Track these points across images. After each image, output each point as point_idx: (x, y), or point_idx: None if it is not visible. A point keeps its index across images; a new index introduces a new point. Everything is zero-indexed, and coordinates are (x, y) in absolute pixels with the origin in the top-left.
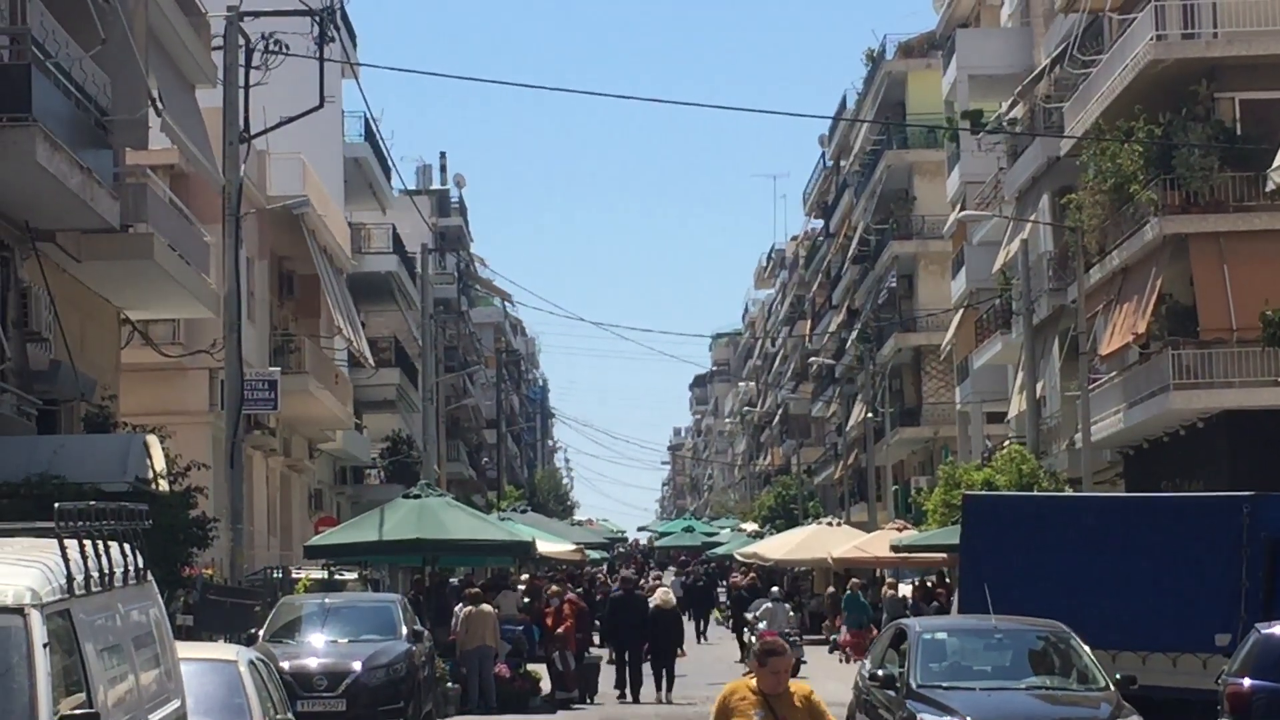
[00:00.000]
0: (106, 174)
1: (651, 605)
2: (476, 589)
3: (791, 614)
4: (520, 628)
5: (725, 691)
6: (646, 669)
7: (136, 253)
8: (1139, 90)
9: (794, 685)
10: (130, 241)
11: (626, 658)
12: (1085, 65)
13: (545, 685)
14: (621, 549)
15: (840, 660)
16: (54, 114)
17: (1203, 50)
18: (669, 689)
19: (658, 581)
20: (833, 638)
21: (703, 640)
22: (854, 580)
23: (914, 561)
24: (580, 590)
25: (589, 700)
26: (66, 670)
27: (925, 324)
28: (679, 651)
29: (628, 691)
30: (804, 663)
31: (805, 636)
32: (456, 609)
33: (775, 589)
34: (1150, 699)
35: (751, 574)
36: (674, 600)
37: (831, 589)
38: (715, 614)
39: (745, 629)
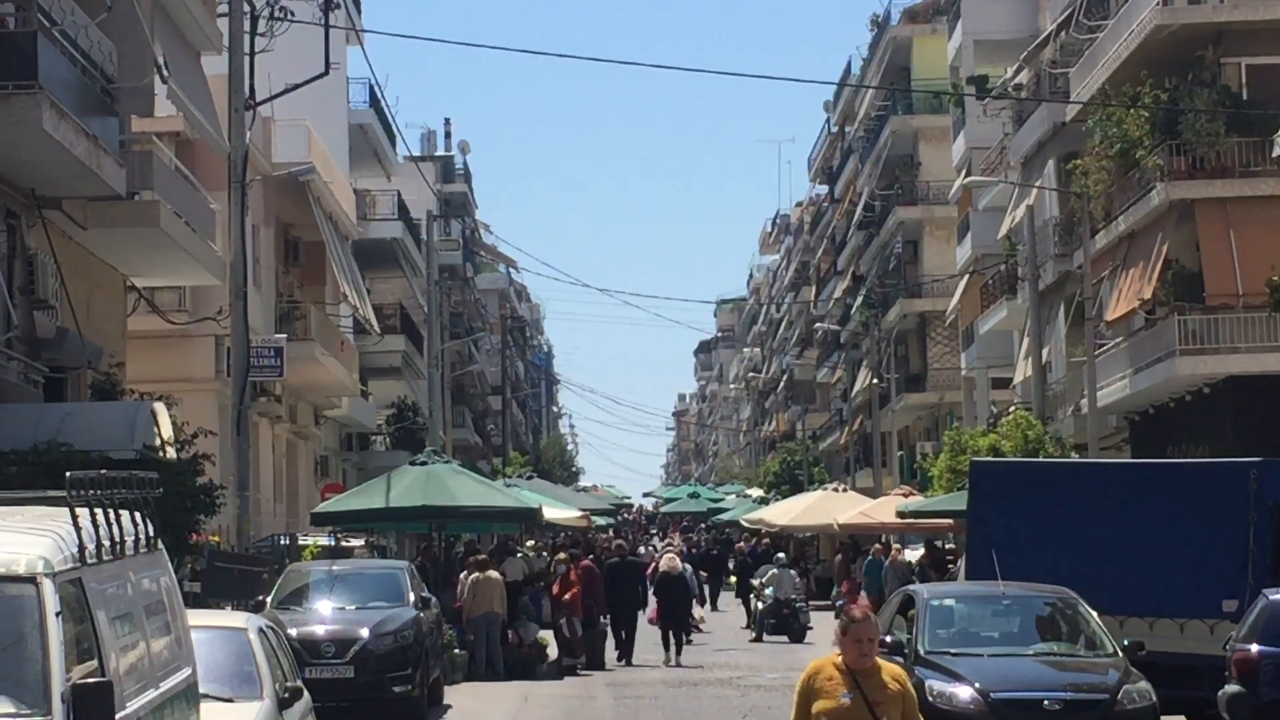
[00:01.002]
0: (112, 141)
1: (661, 571)
2: (483, 556)
3: (798, 580)
4: (525, 597)
5: (809, 671)
6: (652, 633)
7: (143, 220)
8: (1145, 55)
9: (885, 664)
10: (136, 209)
11: (622, 624)
12: (1091, 30)
13: (552, 651)
14: (627, 515)
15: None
16: (60, 81)
17: (1209, 15)
18: (678, 652)
19: (668, 546)
20: (839, 603)
21: (716, 609)
22: (876, 546)
23: (919, 527)
24: (591, 556)
25: (598, 666)
26: (79, 638)
27: (930, 290)
28: (695, 623)
29: (628, 658)
30: (810, 628)
31: (811, 602)
32: (461, 576)
33: (780, 554)
34: (1157, 664)
35: (765, 539)
36: (680, 565)
37: (840, 555)
38: (731, 581)
39: (752, 595)
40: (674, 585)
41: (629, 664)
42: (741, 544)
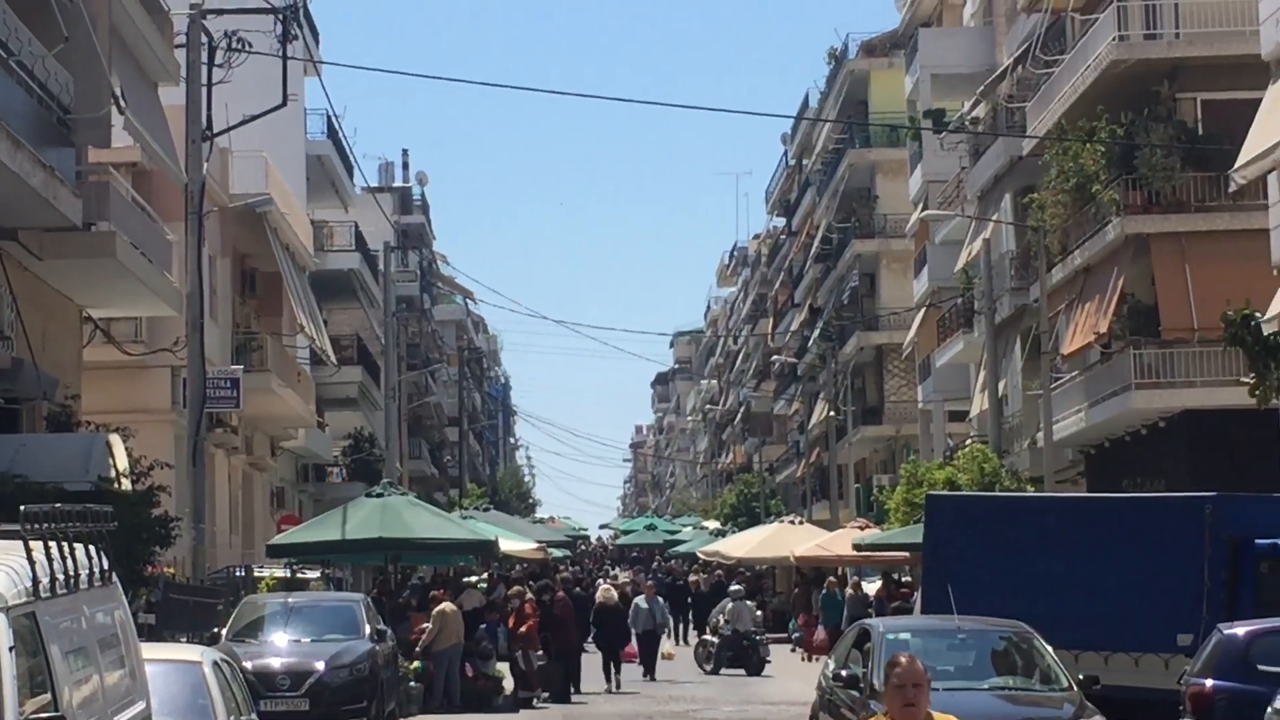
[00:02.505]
0: (69, 172)
1: (599, 602)
2: (439, 590)
3: (758, 613)
4: (484, 625)
5: None
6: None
7: (99, 251)
8: (1101, 90)
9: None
10: (93, 240)
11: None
12: (1047, 65)
13: (509, 684)
14: (585, 546)
15: (803, 659)
16: (16, 112)
17: (1165, 51)
18: (616, 671)
19: (612, 580)
20: (795, 635)
21: (683, 642)
22: (830, 579)
23: (876, 560)
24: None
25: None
26: (32, 672)
27: (887, 323)
28: (664, 654)
29: (577, 686)
30: (768, 661)
31: (768, 635)
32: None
33: (736, 587)
34: (1113, 699)
35: (718, 572)
36: (616, 596)
37: (798, 588)
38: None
39: (707, 629)
40: (611, 616)
41: (568, 698)
42: (696, 578)
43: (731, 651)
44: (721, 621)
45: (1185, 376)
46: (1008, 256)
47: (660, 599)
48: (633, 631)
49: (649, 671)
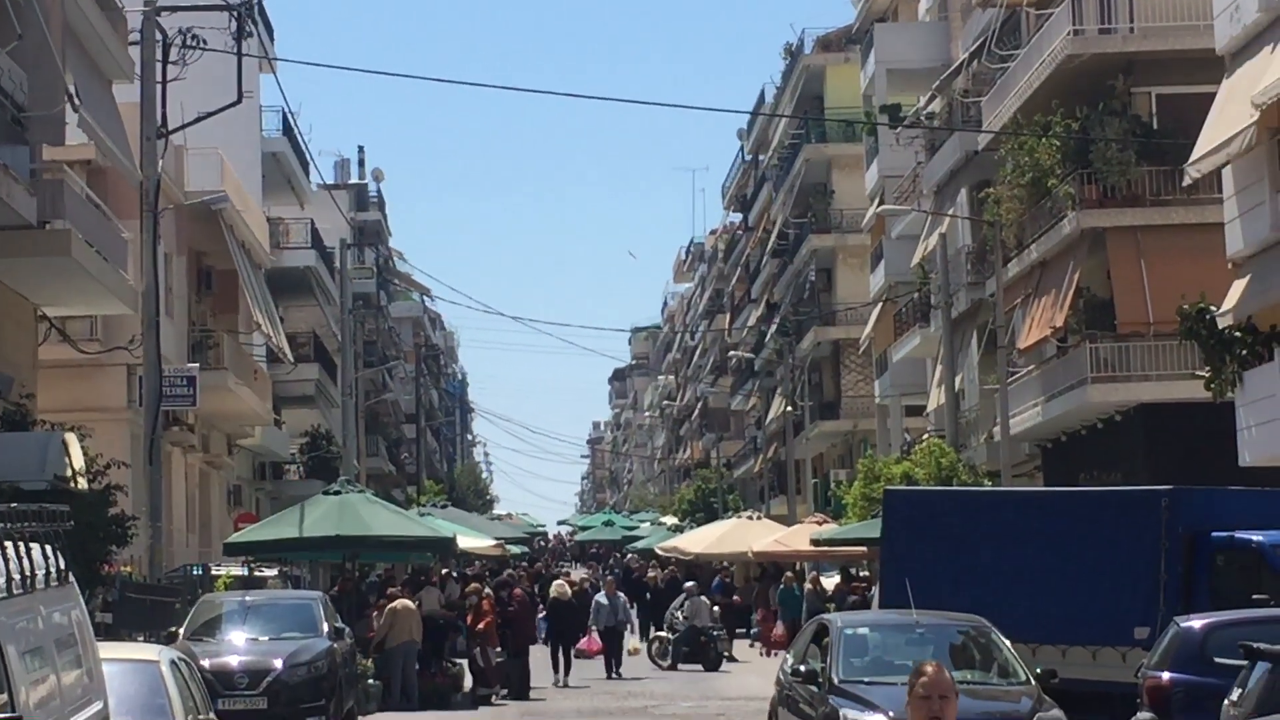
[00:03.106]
0: (23, 170)
1: (552, 597)
2: (395, 588)
3: (716, 609)
4: (441, 622)
5: None
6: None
7: (53, 249)
8: (1056, 85)
9: None
10: (47, 238)
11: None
12: (1003, 60)
13: (468, 682)
14: (543, 543)
15: (761, 654)
16: None
17: (1119, 45)
18: (566, 672)
19: (566, 577)
20: (754, 631)
21: (643, 638)
22: (787, 574)
23: (834, 555)
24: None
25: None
26: None
27: (844, 318)
28: (631, 650)
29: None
30: (725, 655)
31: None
32: (379, 604)
33: (691, 583)
34: (1070, 692)
35: (670, 568)
36: (569, 592)
37: (756, 583)
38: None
39: (665, 626)
40: (563, 610)
41: (523, 694)
42: (654, 574)
43: (689, 647)
44: (680, 618)
45: (1141, 370)
46: (964, 251)
47: (620, 595)
48: (594, 629)
49: (615, 669)
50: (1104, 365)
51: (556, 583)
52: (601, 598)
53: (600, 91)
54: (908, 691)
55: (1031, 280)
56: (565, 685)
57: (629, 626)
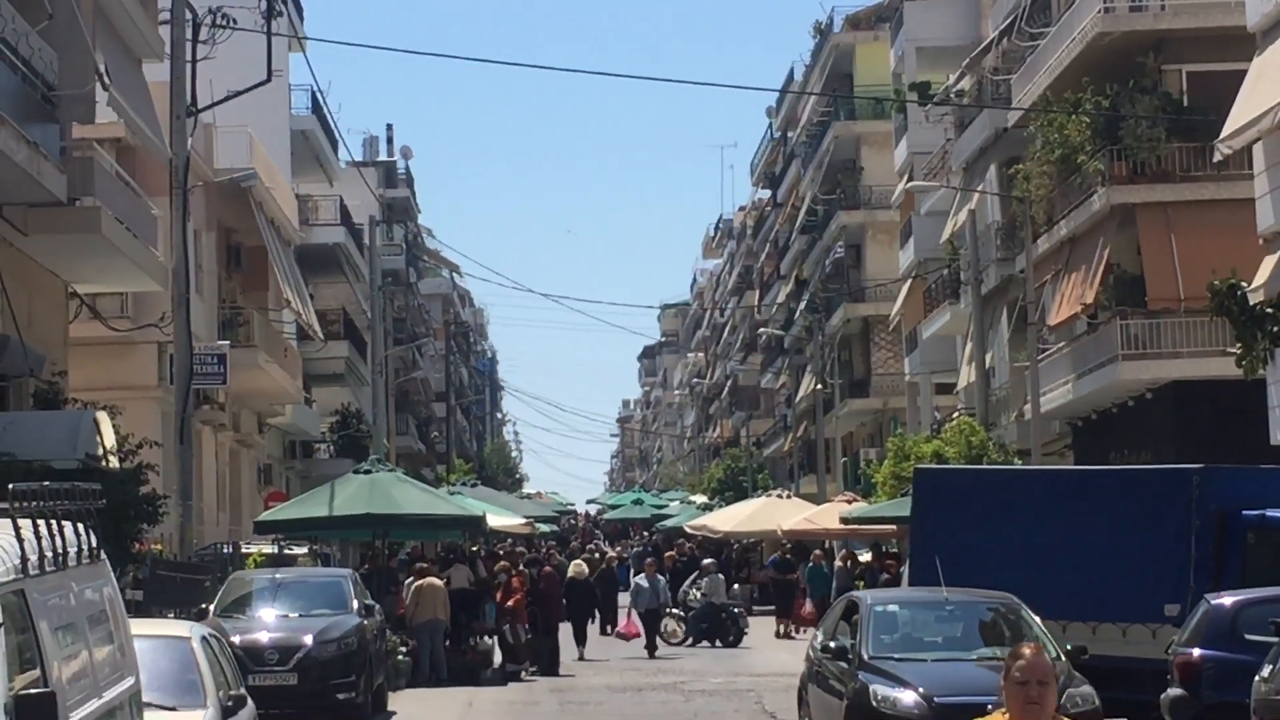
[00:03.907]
0: (53, 148)
1: (569, 576)
2: (425, 564)
3: (737, 587)
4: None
5: None
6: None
7: (84, 226)
8: (1086, 62)
9: None
10: (77, 215)
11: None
12: (1033, 37)
13: (497, 658)
14: (573, 521)
15: (779, 634)
16: (0, 89)
17: (1150, 22)
18: (581, 646)
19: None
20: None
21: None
22: (815, 552)
23: (863, 533)
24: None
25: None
26: (21, 648)
27: (873, 294)
28: (670, 633)
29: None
30: (746, 633)
31: (755, 608)
32: (405, 582)
33: (709, 561)
34: (1100, 669)
35: (689, 545)
36: (587, 571)
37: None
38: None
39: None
40: (581, 589)
41: (553, 670)
42: (670, 553)
43: (707, 623)
44: (696, 595)
45: (1172, 347)
46: (993, 227)
47: (660, 577)
48: (633, 610)
49: (652, 648)
50: (1135, 342)
51: (575, 562)
52: (641, 580)
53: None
54: (1003, 676)
55: (1061, 256)
56: (582, 659)
57: (668, 608)
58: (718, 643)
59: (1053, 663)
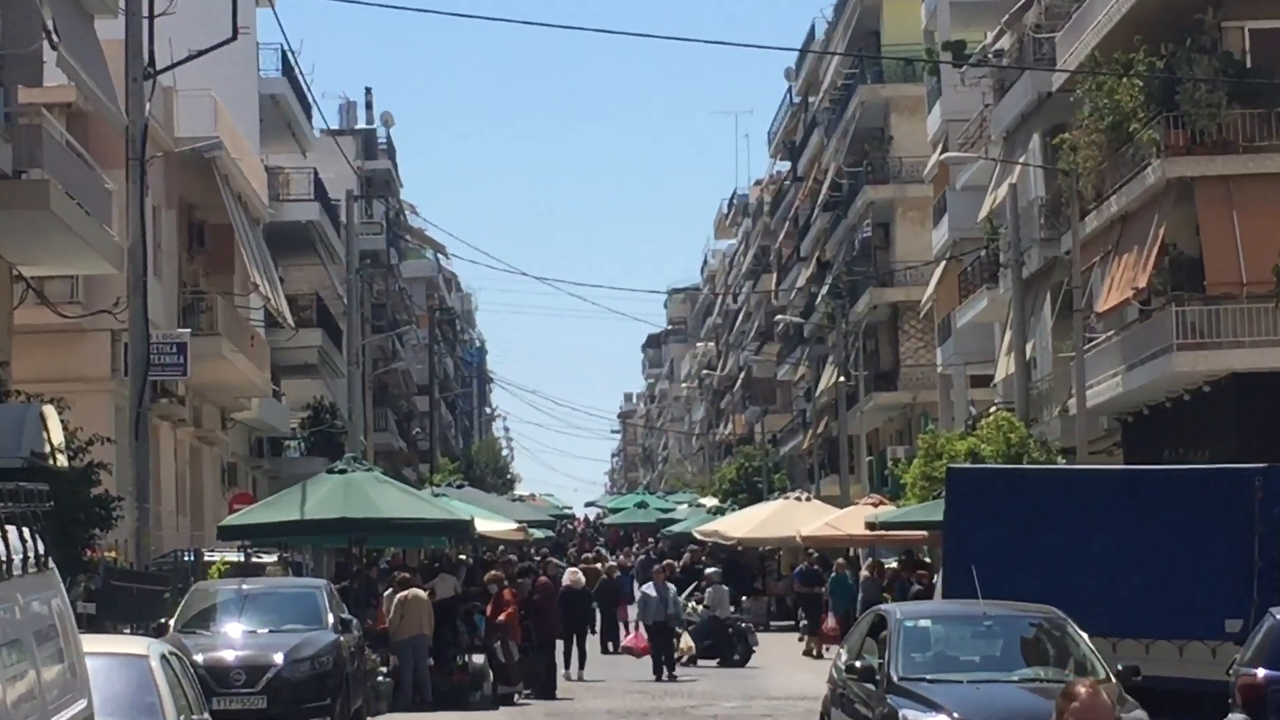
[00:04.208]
0: None
1: (565, 586)
2: (406, 573)
3: (745, 598)
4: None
5: None
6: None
7: (31, 201)
8: (1139, 19)
9: None
10: (24, 189)
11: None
12: None
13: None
14: (570, 526)
15: (803, 652)
16: None
17: None
18: (580, 666)
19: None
20: (803, 623)
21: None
22: (839, 561)
23: (891, 540)
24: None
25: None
26: None
27: (903, 278)
28: (684, 649)
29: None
30: (755, 650)
31: (773, 623)
32: (386, 594)
33: (712, 570)
34: (1154, 691)
35: (694, 549)
36: (583, 581)
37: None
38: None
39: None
40: (576, 600)
41: (548, 692)
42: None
43: (710, 639)
44: (694, 608)
45: (1232, 336)
46: (1036, 203)
47: (671, 586)
48: (639, 624)
49: (665, 671)
50: (1191, 330)
51: (570, 570)
52: (650, 589)
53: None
54: (1056, 717)
55: (1111, 236)
56: (581, 679)
57: (680, 622)
58: (719, 661)
59: (1111, 702)
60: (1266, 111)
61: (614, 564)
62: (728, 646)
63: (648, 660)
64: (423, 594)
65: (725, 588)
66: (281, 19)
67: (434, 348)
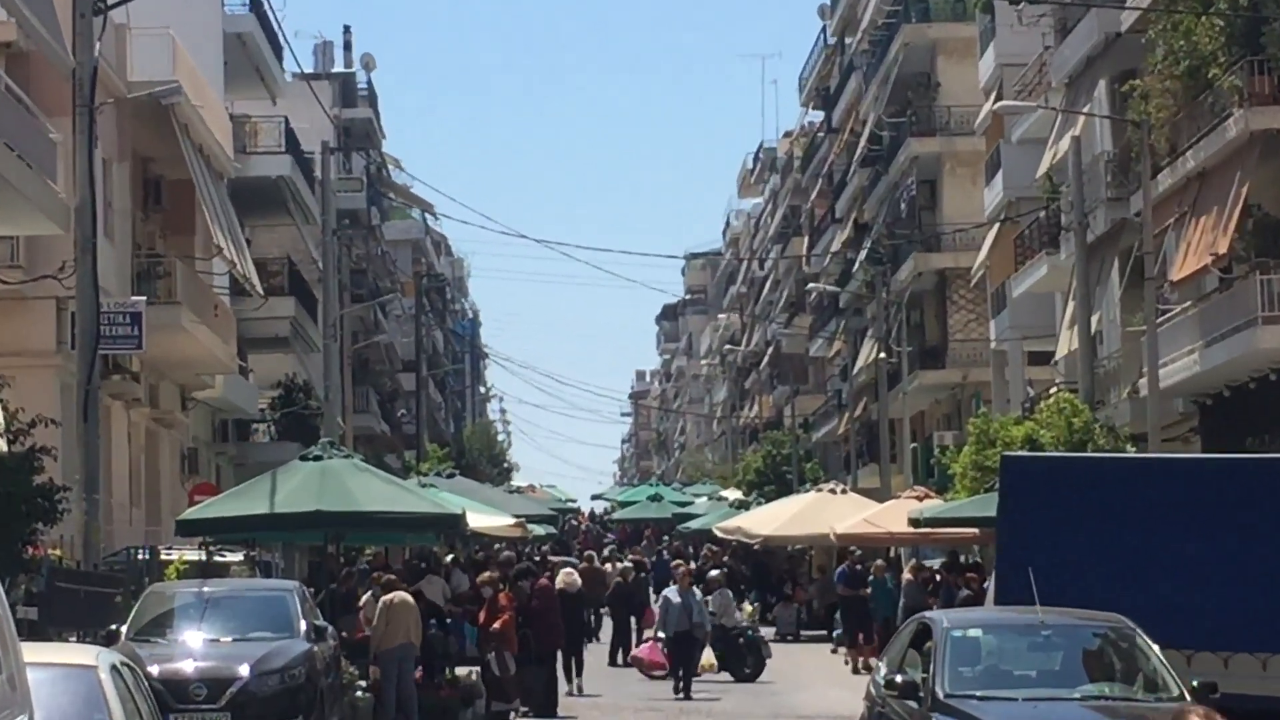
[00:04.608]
0: None
1: (558, 588)
2: (389, 575)
3: (749, 606)
4: (448, 621)
5: None
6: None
7: None
8: None
9: None
10: None
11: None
12: None
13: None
14: (575, 521)
15: (845, 663)
16: None
17: None
18: (578, 674)
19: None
20: (836, 633)
21: None
22: (878, 563)
23: (937, 539)
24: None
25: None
26: None
27: (952, 242)
28: (706, 666)
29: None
30: (768, 660)
31: (803, 633)
32: (366, 597)
33: (715, 572)
34: (1234, 710)
35: (712, 548)
36: (578, 582)
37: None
38: (746, 609)
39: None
40: (574, 604)
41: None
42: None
43: (717, 651)
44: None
45: None
46: (1103, 159)
47: (696, 591)
48: (658, 635)
49: (683, 688)
50: (1278, 302)
51: (565, 571)
52: (672, 594)
53: None
54: None
55: (1188, 195)
56: (580, 693)
57: (705, 633)
58: (729, 675)
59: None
60: None
61: (629, 564)
62: (738, 658)
63: (654, 674)
64: (410, 598)
65: (729, 593)
66: None
67: (421, 319)
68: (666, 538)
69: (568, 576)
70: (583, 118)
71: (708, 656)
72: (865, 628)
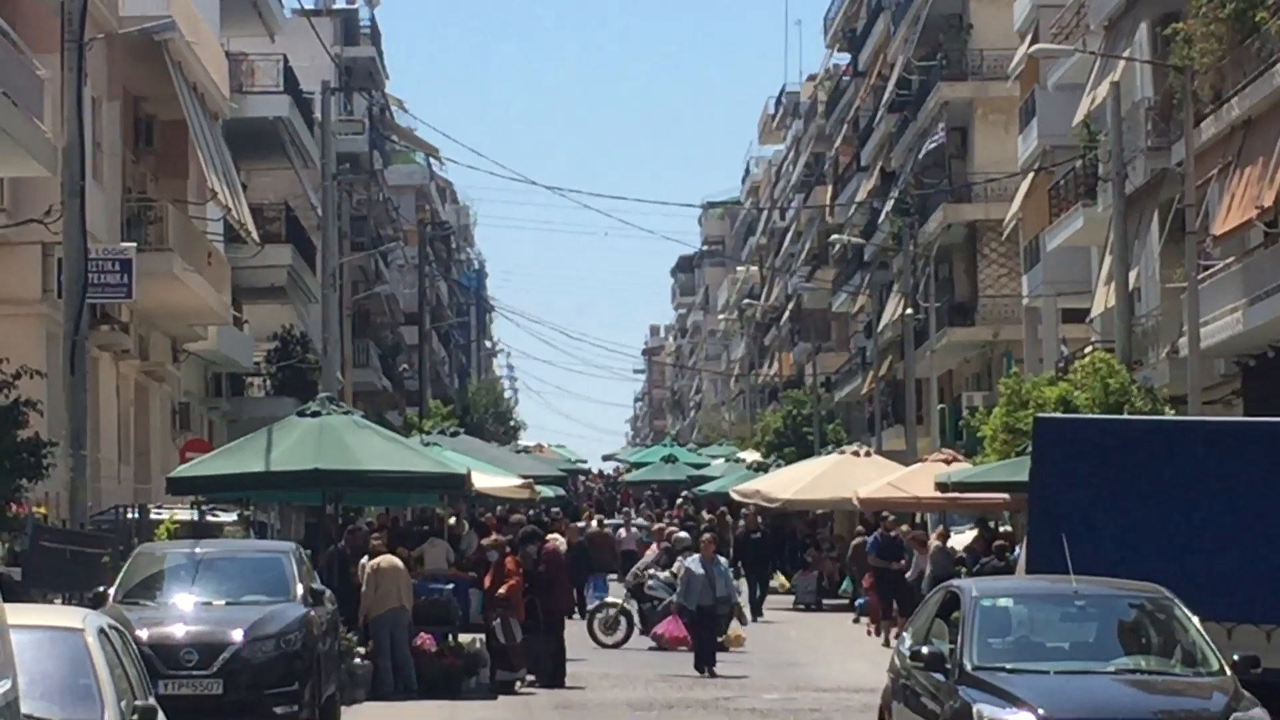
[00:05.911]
0: None
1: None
2: (379, 537)
3: (797, 573)
4: (450, 586)
5: None
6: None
7: None
8: None
9: None
10: None
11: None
12: None
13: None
14: (587, 482)
15: (868, 633)
16: None
17: None
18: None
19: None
20: (859, 603)
21: (759, 618)
22: (905, 528)
23: (966, 504)
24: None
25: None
26: None
27: (983, 192)
28: (733, 638)
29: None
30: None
31: (825, 601)
32: (361, 562)
33: (680, 534)
34: (1276, 686)
35: (721, 510)
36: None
37: (858, 539)
38: (781, 579)
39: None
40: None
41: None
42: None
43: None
44: (660, 579)
45: None
46: (1143, 106)
47: (722, 560)
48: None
49: (706, 663)
50: None
51: (553, 536)
52: (694, 564)
53: None
54: None
55: (1232, 145)
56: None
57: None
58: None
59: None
60: None
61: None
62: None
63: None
64: (398, 561)
65: (723, 560)
66: None
67: (424, 269)
68: (680, 500)
69: (553, 542)
70: (595, 59)
71: (735, 628)
72: (904, 597)
